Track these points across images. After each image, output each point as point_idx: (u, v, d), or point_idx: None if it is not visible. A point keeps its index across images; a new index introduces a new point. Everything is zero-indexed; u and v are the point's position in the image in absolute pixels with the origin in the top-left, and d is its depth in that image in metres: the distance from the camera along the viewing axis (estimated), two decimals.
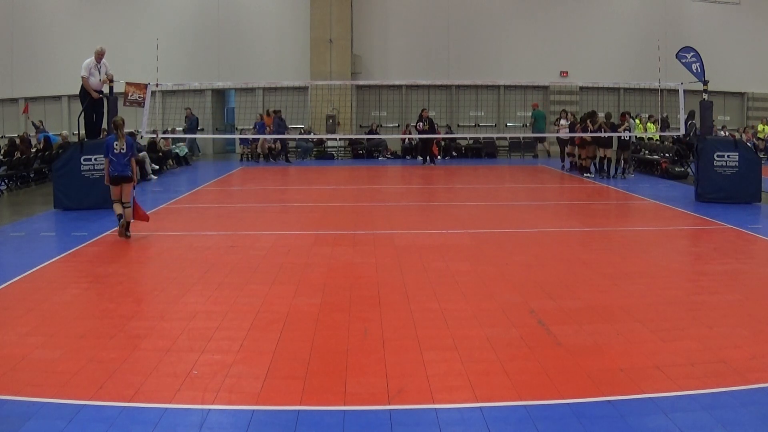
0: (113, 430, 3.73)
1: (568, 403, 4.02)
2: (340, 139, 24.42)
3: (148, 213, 10.26)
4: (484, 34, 25.73)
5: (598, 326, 5.45)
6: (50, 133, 19.51)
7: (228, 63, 25.05)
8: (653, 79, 18.08)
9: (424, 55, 25.27)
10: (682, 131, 15.49)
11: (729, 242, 9.12)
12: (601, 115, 17.52)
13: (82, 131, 12.98)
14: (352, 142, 24.77)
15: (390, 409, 3.98)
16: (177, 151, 21.24)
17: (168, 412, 3.95)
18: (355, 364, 4.66)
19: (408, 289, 6.64)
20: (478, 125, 26.02)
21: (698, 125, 16.64)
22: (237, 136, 24.58)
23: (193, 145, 23.43)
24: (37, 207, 12.76)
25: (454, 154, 23.97)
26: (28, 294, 6.55)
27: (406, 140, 23.49)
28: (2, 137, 23.43)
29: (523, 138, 24.20)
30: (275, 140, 22.41)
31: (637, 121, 19.60)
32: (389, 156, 24.03)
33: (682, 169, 16.95)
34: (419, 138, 21.97)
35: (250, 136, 22.78)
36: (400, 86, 25.27)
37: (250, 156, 22.93)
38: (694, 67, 14.42)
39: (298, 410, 3.98)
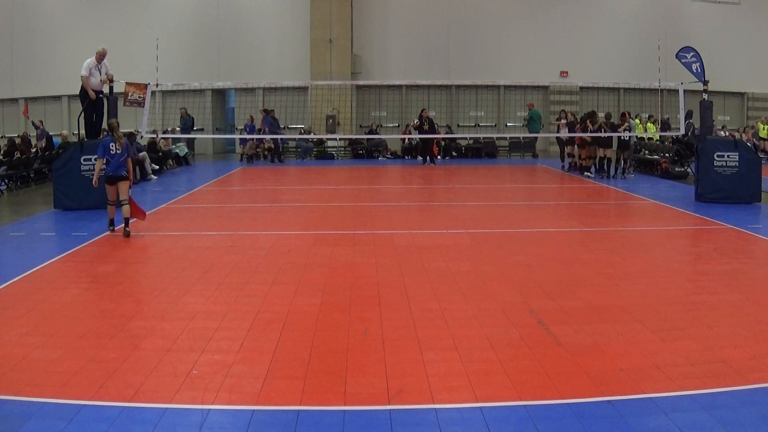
0: (113, 430, 3.73)
1: (568, 403, 4.02)
2: (340, 139, 24.42)
3: (147, 213, 10.31)
4: (484, 34, 25.74)
5: (598, 326, 5.45)
6: (53, 138, 19.51)
7: (228, 63, 25.06)
8: (653, 79, 18.09)
9: (424, 55, 25.27)
10: (683, 131, 15.49)
11: (729, 242, 9.12)
12: (600, 115, 17.52)
13: (82, 131, 12.98)
14: (352, 142, 24.77)
15: (390, 409, 3.98)
16: (177, 151, 21.24)
17: (168, 412, 3.95)
18: (355, 364, 4.66)
19: (408, 289, 6.64)
20: (478, 125, 26.02)
21: (696, 125, 16.68)
22: (236, 136, 24.58)
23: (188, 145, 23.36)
24: (37, 207, 12.76)
25: (454, 154, 23.97)
26: (28, 294, 6.55)
27: (406, 140, 23.50)
28: (2, 137, 23.43)
29: (523, 138, 24.20)
30: (263, 140, 22.36)
31: (637, 121, 19.59)
32: (389, 156, 24.03)
33: (682, 169, 16.95)
34: (419, 138, 21.97)
35: (246, 136, 22.70)
36: (400, 86, 25.28)
37: (241, 157, 22.80)
38: (694, 67, 14.42)
39: (298, 410, 3.98)
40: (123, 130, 12.85)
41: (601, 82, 22.72)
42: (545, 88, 25.58)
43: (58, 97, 25.63)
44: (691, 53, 14.56)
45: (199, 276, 7.21)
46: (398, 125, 25.53)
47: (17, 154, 15.98)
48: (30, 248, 8.77)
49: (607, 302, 6.18)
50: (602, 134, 16.49)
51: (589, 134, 16.62)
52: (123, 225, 9.43)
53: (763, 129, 23.74)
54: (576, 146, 18.10)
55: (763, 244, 9.05)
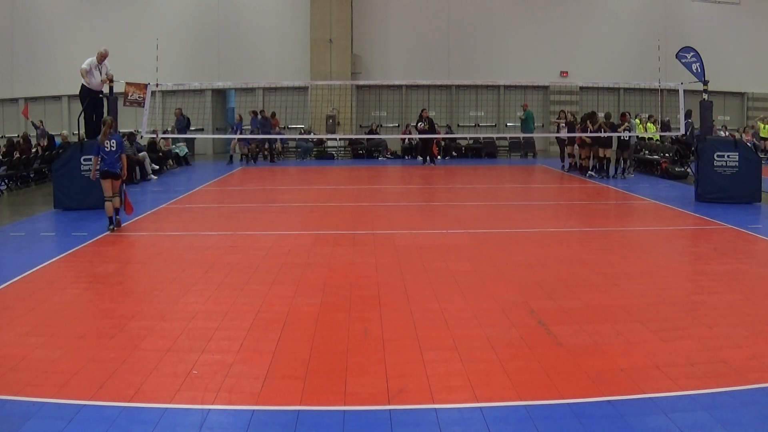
0: (113, 430, 3.73)
1: (568, 403, 4.02)
2: (340, 139, 24.42)
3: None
4: (484, 34, 25.74)
5: (598, 326, 5.45)
6: (55, 138, 19.52)
7: (228, 63, 25.06)
8: (653, 79, 18.09)
9: (424, 55, 25.27)
10: (683, 131, 15.49)
11: (729, 242, 9.12)
12: (600, 115, 17.52)
13: (82, 131, 12.98)
14: (352, 142, 24.77)
15: (390, 409, 3.98)
16: (177, 151, 21.23)
17: (168, 412, 3.95)
18: (355, 364, 4.66)
19: (408, 289, 6.64)
20: (478, 125, 26.02)
21: (696, 124, 16.68)
22: (236, 136, 24.54)
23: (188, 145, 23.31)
24: (37, 207, 12.77)
25: (454, 154, 23.96)
26: (28, 294, 6.55)
27: (406, 140, 23.50)
28: (2, 137, 23.43)
29: (523, 138, 24.19)
30: (250, 141, 22.26)
31: (637, 120, 19.60)
32: (389, 156, 24.02)
33: (682, 169, 16.95)
34: (419, 138, 21.97)
35: (232, 136, 22.47)
36: (400, 86, 25.28)
37: (231, 158, 22.46)
38: (694, 67, 14.42)
39: (298, 410, 3.98)
40: (123, 130, 12.91)
41: (601, 82, 22.72)
42: (545, 88, 25.58)
43: (58, 97, 25.63)
44: (691, 53, 14.56)
45: (199, 276, 7.21)
46: (398, 125, 25.53)
47: (17, 154, 15.98)
48: (30, 248, 8.77)
49: (607, 302, 6.18)
50: (602, 134, 16.49)
51: (588, 134, 16.63)
52: (114, 214, 9.86)
53: (764, 129, 23.74)
54: (576, 146, 18.09)
55: (763, 244, 9.05)
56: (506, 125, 25.73)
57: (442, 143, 23.24)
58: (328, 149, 24.43)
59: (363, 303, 6.16)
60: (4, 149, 16.62)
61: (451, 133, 24.62)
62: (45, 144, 18.98)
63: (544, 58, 25.27)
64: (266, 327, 5.50)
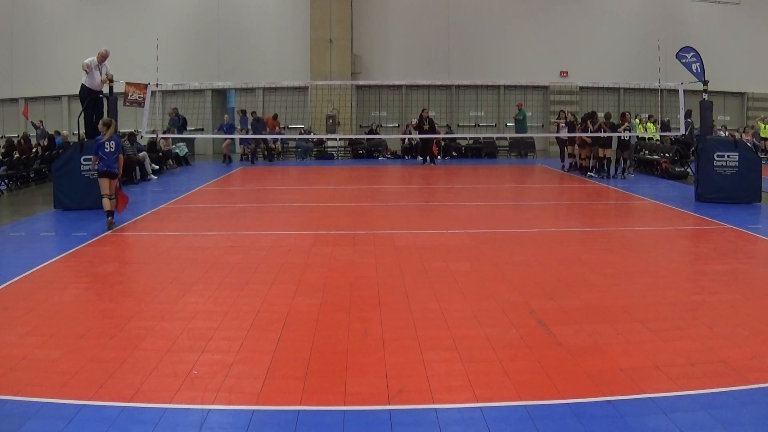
0: (113, 430, 3.73)
1: (568, 403, 4.02)
2: (340, 139, 24.42)
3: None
4: (484, 34, 25.74)
5: (598, 326, 5.45)
6: (57, 138, 19.50)
7: (228, 63, 25.06)
8: (653, 79, 18.10)
9: (424, 55, 25.27)
10: (683, 131, 15.49)
11: (729, 242, 9.12)
12: (600, 115, 17.52)
13: (82, 131, 12.98)
14: (352, 142, 24.77)
15: (390, 409, 3.98)
16: (177, 151, 21.23)
17: (168, 412, 3.95)
18: (355, 364, 4.66)
19: (408, 289, 6.64)
20: (478, 125, 26.03)
21: (696, 124, 16.67)
22: (236, 136, 24.54)
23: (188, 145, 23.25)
24: (37, 207, 12.77)
25: (454, 154, 23.97)
26: (28, 294, 6.55)
27: (406, 140, 23.50)
28: (2, 137, 23.43)
29: (523, 138, 24.21)
30: (251, 141, 22.20)
31: (637, 120, 19.60)
32: (389, 156, 24.03)
33: (682, 169, 16.95)
34: (419, 138, 21.98)
35: (223, 136, 22.33)
36: (400, 86, 25.28)
37: (224, 158, 22.36)
38: (694, 67, 14.42)
39: (298, 410, 3.98)
40: (123, 130, 12.92)
41: (601, 82, 22.72)
42: (545, 88, 25.59)
43: (58, 97, 25.64)
44: (691, 53, 14.55)
45: (199, 276, 7.21)
46: (398, 125, 25.53)
47: (17, 154, 15.98)
48: (30, 248, 8.77)
49: (607, 302, 6.18)
50: (602, 134, 16.50)
51: (588, 134, 16.63)
52: (111, 218, 10.09)
53: (764, 129, 23.74)
54: (576, 146, 18.10)
55: (763, 244, 9.05)
56: (506, 125, 25.73)
57: (442, 143, 23.24)
58: (328, 149, 24.43)
59: (363, 303, 6.16)
60: (4, 149, 16.62)
61: (451, 133, 24.62)
62: (45, 144, 18.97)
63: (544, 58, 25.28)
64: (266, 327, 5.50)
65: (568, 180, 17.11)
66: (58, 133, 20.19)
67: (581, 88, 25.22)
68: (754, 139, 22.31)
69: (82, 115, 12.72)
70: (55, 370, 4.57)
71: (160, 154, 19.34)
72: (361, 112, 25.77)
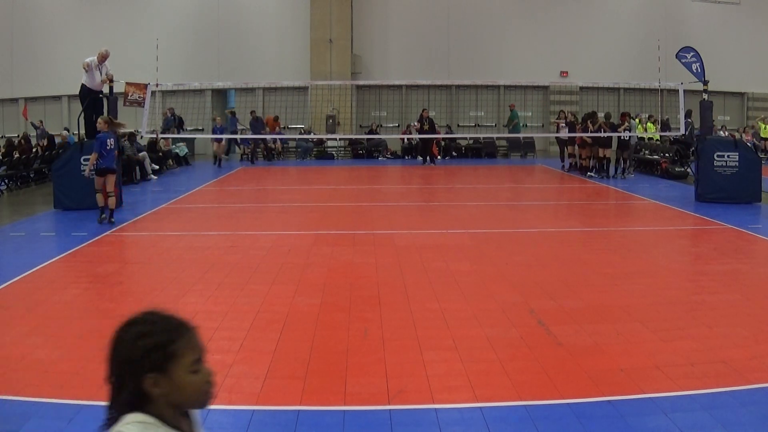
0: None
1: (568, 403, 4.02)
2: (340, 139, 24.41)
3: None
4: (484, 34, 25.73)
5: (598, 326, 5.45)
6: (69, 136, 19.43)
7: (228, 63, 25.05)
8: (653, 79, 18.08)
9: (424, 55, 25.26)
10: (683, 131, 15.49)
11: (729, 242, 9.12)
12: (600, 115, 17.52)
13: (82, 131, 12.98)
14: (352, 142, 24.77)
15: (390, 409, 3.98)
16: (177, 151, 21.22)
17: None
18: (355, 364, 4.66)
19: (408, 289, 6.64)
20: (478, 125, 26.02)
21: (696, 124, 16.67)
22: (236, 136, 24.55)
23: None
24: (37, 207, 12.77)
25: (454, 154, 23.96)
26: (28, 294, 6.55)
27: (406, 140, 23.50)
28: (2, 137, 23.42)
29: (523, 138, 24.21)
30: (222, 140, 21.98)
31: (637, 120, 19.60)
32: (389, 156, 24.02)
33: (682, 169, 16.95)
34: (419, 138, 21.98)
35: (216, 136, 22.11)
36: (400, 86, 25.26)
37: (215, 160, 21.82)
38: (694, 67, 14.42)
39: (298, 410, 3.98)
40: (123, 130, 12.92)
41: (601, 82, 22.70)
42: (545, 88, 25.57)
43: (58, 97, 25.62)
44: (691, 53, 14.56)
45: (199, 276, 7.21)
46: (398, 125, 25.52)
47: (17, 154, 15.99)
48: (30, 248, 8.77)
49: (607, 302, 6.18)
50: (602, 134, 16.50)
51: (588, 134, 16.63)
52: (108, 215, 10.38)
53: (764, 129, 23.73)
54: (576, 146, 18.11)
55: (763, 244, 9.05)
56: (504, 126, 25.73)
57: (442, 143, 23.25)
58: (328, 149, 24.43)
59: (363, 303, 6.16)
60: (4, 149, 16.62)
61: (451, 133, 24.62)
62: (45, 144, 18.97)
63: (544, 58, 25.26)
64: (266, 327, 5.49)
65: (568, 180, 17.11)
66: (67, 130, 20.09)
67: (581, 88, 25.20)
68: (754, 139, 22.30)
69: (82, 115, 12.72)
70: (55, 370, 4.57)
71: (160, 154, 19.34)
72: (361, 112, 25.76)
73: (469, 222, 10.69)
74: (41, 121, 22.77)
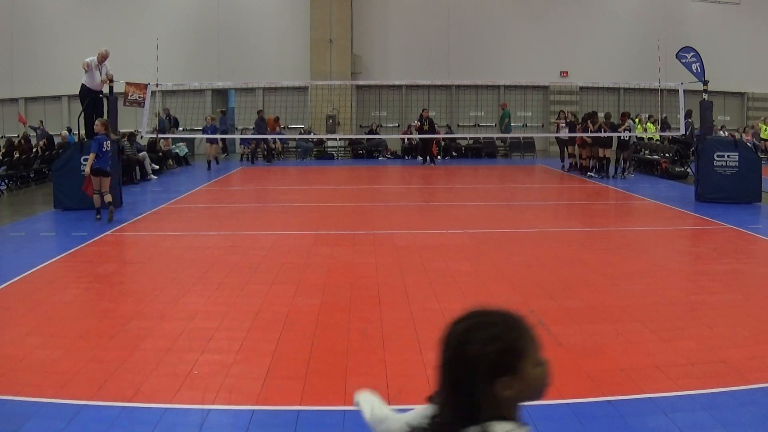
0: (113, 430, 3.73)
1: (568, 403, 4.02)
2: (340, 139, 24.41)
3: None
4: (484, 34, 25.73)
5: (598, 326, 5.45)
6: (69, 136, 19.41)
7: (228, 63, 25.05)
8: (653, 79, 18.08)
9: (424, 55, 25.26)
10: (683, 131, 15.49)
11: (729, 242, 9.12)
12: (600, 115, 17.52)
13: (82, 131, 12.98)
14: (352, 142, 24.77)
15: None
16: (177, 151, 21.22)
17: (168, 412, 3.95)
18: (355, 364, 4.66)
19: (408, 289, 6.64)
20: (478, 125, 26.02)
21: (696, 124, 16.67)
22: (236, 136, 24.57)
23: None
24: (37, 207, 12.77)
25: (454, 154, 23.96)
26: (28, 294, 6.55)
27: (406, 140, 23.50)
28: (2, 137, 23.42)
29: (523, 138, 24.21)
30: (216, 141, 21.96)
31: (636, 120, 19.59)
32: (389, 156, 24.02)
33: (682, 169, 16.95)
34: (419, 138, 21.98)
35: (208, 136, 22.00)
36: (400, 86, 25.26)
37: (209, 165, 21.56)
38: (694, 67, 14.42)
39: (298, 410, 3.98)
40: (123, 130, 12.94)
41: (601, 82, 22.69)
42: (545, 88, 25.57)
43: (58, 97, 25.61)
44: (691, 53, 14.56)
45: (199, 276, 7.21)
46: (398, 125, 25.52)
47: (17, 154, 15.99)
48: (30, 248, 8.77)
49: (607, 302, 6.18)
50: (602, 134, 16.50)
51: (589, 134, 16.63)
52: (108, 212, 10.50)
53: (765, 130, 23.72)
54: (576, 146, 18.11)
55: (763, 244, 9.05)
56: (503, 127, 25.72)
57: (442, 143, 23.25)
58: (328, 149, 24.43)
59: (363, 303, 6.16)
60: (4, 149, 16.62)
61: (451, 133, 24.62)
62: (45, 144, 18.96)
63: (544, 58, 25.26)
64: (266, 327, 5.49)
65: (568, 180, 17.10)
66: (69, 130, 20.05)
67: (581, 88, 25.20)
68: (754, 139, 22.30)
69: (82, 115, 12.72)
70: (55, 370, 4.57)
71: (160, 154, 19.34)
72: (361, 112, 25.76)
73: (469, 222, 10.69)
74: (41, 121, 22.76)
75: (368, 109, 25.86)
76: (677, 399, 4.07)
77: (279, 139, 23.11)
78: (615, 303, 6.14)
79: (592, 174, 17.16)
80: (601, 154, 16.98)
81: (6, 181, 15.15)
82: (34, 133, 21.41)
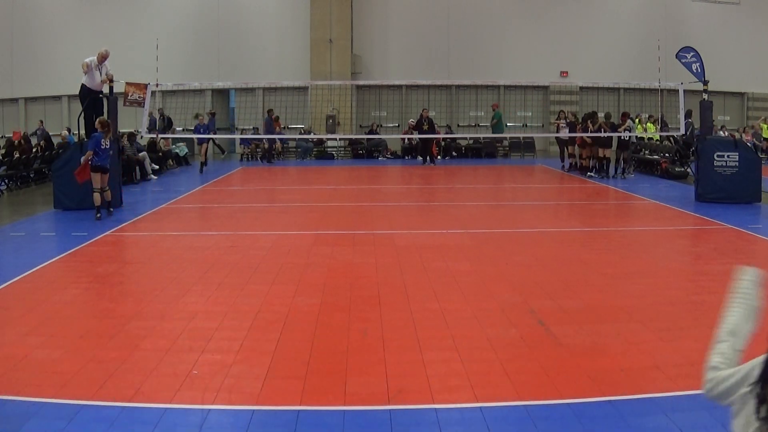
0: (113, 430, 3.73)
1: (568, 403, 4.02)
2: (340, 139, 24.41)
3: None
4: (484, 34, 25.73)
5: (598, 326, 5.45)
6: (69, 136, 19.37)
7: (228, 63, 25.05)
8: (653, 79, 18.07)
9: (424, 55, 25.25)
10: (683, 131, 15.48)
11: (729, 242, 9.12)
12: (600, 115, 17.52)
13: (82, 131, 12.98)
14: (352, 142, 24.76)
15: (390, 409, 3.98)
16: (177, 151, 21.21)
17: (168, 412, 3.95)
18: (355, 364, 4.66)
19: (408, 289, 6.64)
20: (478, 125, 26.01)
21: (696, 124, 16.66)
22: (236, 136, 24.57)
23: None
24: (37, 207, 12.77)
25: (454, 154, 23.96)
26: (28, 294, 6.55)
27: (406, 140, 23.50)
28: (2, 137, 23.42)
29: (523, 138, 24.21)
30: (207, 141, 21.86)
31: (636, 120, 19.58)
32: (389, 156, 24.02)
33: (682, 169, 16.94)
34: (419, 138, 21.98)
35: (200, 135, 21.83)
36: (400, 86, 25.25)
37: (201, 168, 21.07)
38: (694, 67, 14.42)
39: (298, 410, 3.98)
40: (123, 130, 12.94)
41: (601, 82, 22.68)
42: (545, 88, 25.56)
43: (58, 97, 25.60)
44: (691, 53, 14.55)
45: (199, 276, 7.21)
46: (398, 125, 25.52)
47: (17, 154, 15.99)
48: (30, 248, 8.77)
49: (607, 302, 6.18)
50: (602, 134, 16.50)
51: (589, 134, 16.63)
52: (107, 208, 10.96)
53: (765, 130, 23.71)
54: (576, 146, 18.11)
55: (763, 244, 9.05)
56: (506, 125, 25.69)
57: (442, 143, 23.25)
58: (328, 149, 24.43)
59: (363, 303, 6.16)
60: (4, 149, 16.62)
61: (451, 133, 24.61)
62: (43, 144, 18.95)
63: (544, 58, 25.25)
64: (266, 327, 5.50)
65: (568, 180, 17.10)
66: (69, 130, 20.02)
67: (581, 88, 25.18)
68: (754, 139, 22.29)
69: (82, 115, 12.72)
70: (55, 370, 4.57)
71: (160, 154, 19.34)
72: (361, 112, 25.75)
73: (469, 222, 10.69)
74: (41, 121, 22.75)
75: (368, 109, 25.85)
76: (677, 399, 4.07)
77: (279, 139, 23.11)
78: (615, 303, 6.14)
79: (592, 174, 17.15)
80: (601, 154, 16.97)
81: (6, 181, 15.15)
82: (36, 133, 21.41)
